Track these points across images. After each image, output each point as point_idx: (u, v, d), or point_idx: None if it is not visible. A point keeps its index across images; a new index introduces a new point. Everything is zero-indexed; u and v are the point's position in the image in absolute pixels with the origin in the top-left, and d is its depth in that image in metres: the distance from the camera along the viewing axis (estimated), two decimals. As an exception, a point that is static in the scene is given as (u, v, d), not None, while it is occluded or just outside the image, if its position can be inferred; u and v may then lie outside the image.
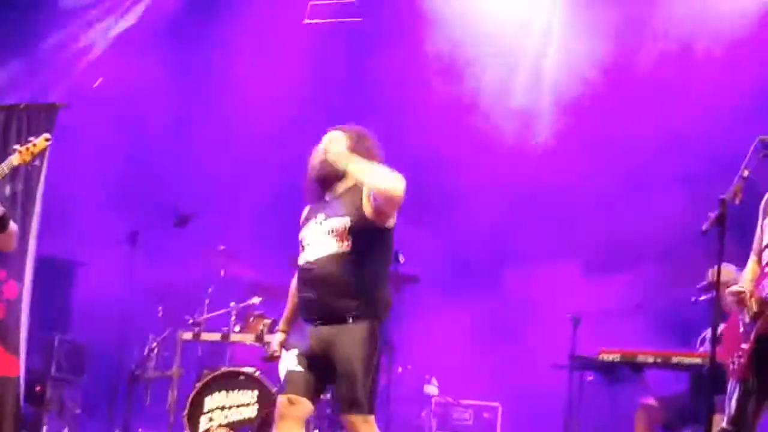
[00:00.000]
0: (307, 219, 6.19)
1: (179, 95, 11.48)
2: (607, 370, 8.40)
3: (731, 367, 5.58)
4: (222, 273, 9.57)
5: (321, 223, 6.04)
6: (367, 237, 5.94)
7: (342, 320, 5.87)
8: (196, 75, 11.71)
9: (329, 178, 6.10)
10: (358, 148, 6.07)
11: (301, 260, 6.09)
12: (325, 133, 6.19)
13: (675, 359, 7.96)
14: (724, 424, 5.52)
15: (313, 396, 5.95)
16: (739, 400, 5.54)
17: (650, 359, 8.02)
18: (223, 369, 8.89)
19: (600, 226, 10.29)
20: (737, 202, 5.54)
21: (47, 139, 7.20)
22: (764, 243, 5.62)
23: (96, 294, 10.66)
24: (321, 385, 6.01)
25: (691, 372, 8.12)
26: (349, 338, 5.84)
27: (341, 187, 6.11)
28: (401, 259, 8.02)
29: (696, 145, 9.95)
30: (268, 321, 9.06)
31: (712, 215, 5.21)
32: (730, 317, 5.85)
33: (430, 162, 10.32)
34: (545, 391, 9.52)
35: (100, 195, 11.04)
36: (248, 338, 9.06)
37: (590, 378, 8.75)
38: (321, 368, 5.90)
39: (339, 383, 5.83)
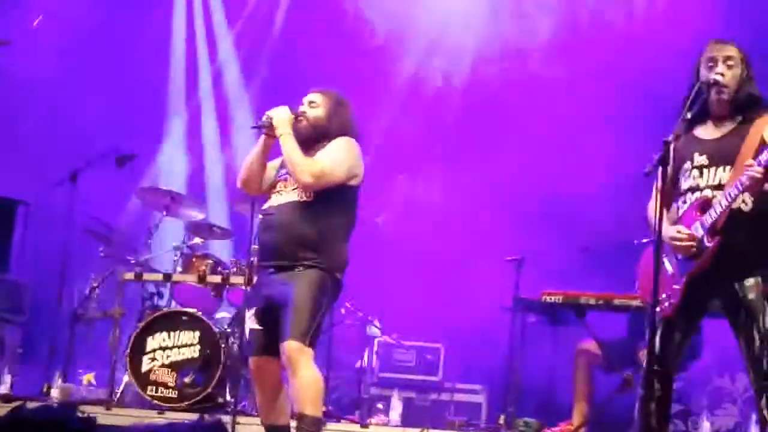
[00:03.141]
0: (281, 167, 6.32)
1: (119, 32, 11.33)
2: (550, 311, 8.45)
3: (660, 306, 5.61)
4: (164, 213, 9.52)
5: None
6: (329, 191, 6.10)
7: (293, 268, 6.01)
8: (137, 10, 11.55)
9: (306, 141, 6.21)
10: (336, 114, 6.30)
11: (265, 205, 6.25)
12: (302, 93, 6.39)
13: (617, 301, 8.04)
14: (648, 362, 5.56)
15: (278, 348, 6.00)
16: (662, 338, 5.57)
17: (592, 301, 8.10)
18: (165, 309, 8.88)
19: (544, 168, 10.31)
20: (680, 143, 5.58)
21: None
22: (684, 187, 5.67)
23: (37, 234, 10.57)
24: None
25: (629, 314, 8.20)
26: (301, 280, 5.98)
27: (318, 147, 6.22)
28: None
29: (637, 87, 9.99)
30: (210, 261, 9.04)
31: (656, 156, 5.24)
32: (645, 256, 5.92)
33: (375, 106, 10.26)
34: (488, 333, 9.57)
35: (40, 134, 10.90)
36: (190, 278, 9.02)
37: (532, 320, 8.80)
38: (276, 320, 5.99)
39: (284, 314, 5.93)
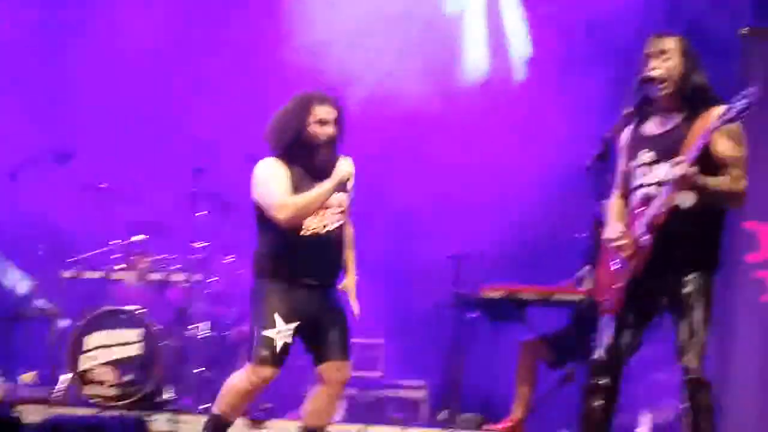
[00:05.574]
0: (301, 186, 6.29)
1: (57, 27, 11.21)
2: (491, 307, 8.48)
3: (606, 304, 5.64)
4: (105, 210, 9.45)
5: None
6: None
7: (335, 284, 6.45)
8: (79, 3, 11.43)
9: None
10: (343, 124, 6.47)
11: (310, 228, 6.30)
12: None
13: (557, 296, 8.12)
14: (598, 355, 5.59)
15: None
16: (613, 334, 5.60)
17: (533, 296, 8.18)
18: (105, 307, 8.82)
19: (481, 164, 10.31)
20: (631, 141, 5.60)
21: None
22: (634, 185, 5.65)
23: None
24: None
25: (572, 309, 8.24)
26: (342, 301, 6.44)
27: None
28: None
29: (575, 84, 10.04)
30: (151, 259, 8.99)
31: (595, 153, 5.27)
32: (604, 255, 5.90)
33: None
34: (430, 329, 9.58)
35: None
36: (130, 276, 8.97)
37: (473, 316, 8.82)
38: (311, 334, 6.32)
39: (337, 331, 6.33)
